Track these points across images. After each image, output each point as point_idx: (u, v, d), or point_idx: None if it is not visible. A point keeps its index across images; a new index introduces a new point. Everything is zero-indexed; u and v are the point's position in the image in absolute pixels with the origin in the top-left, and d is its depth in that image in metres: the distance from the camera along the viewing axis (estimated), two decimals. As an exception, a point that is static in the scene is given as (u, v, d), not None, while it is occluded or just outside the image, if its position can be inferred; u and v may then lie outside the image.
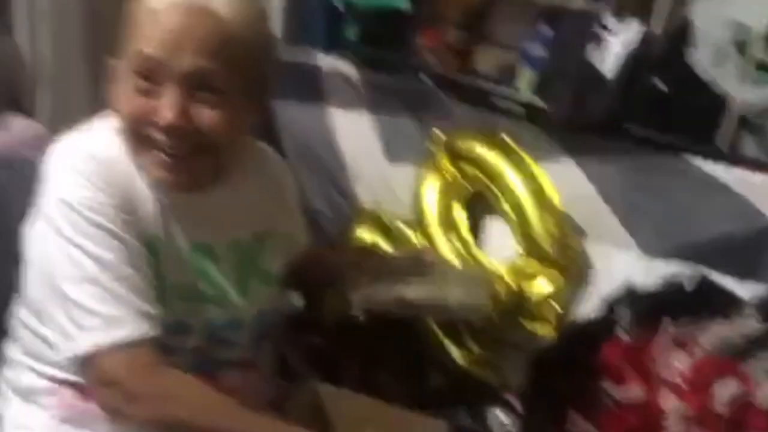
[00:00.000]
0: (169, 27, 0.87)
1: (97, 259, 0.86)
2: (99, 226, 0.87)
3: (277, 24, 2.85)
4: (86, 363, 0.87)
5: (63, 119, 1.00)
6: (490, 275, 1.24)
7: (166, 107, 0.87)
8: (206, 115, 0.88)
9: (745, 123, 2.36)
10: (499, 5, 2.78)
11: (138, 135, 0.90)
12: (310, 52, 1.84)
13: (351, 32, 2.81)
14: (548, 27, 2.70)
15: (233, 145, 0.94)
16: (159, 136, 0.88)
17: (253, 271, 1.03)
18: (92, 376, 0.88)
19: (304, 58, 1.82)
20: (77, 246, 0.86)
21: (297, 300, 1.31)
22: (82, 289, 0.86)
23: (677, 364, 1.22)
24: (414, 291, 1.06)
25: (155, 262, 0.92)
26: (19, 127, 2.00)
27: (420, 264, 1.15)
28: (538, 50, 2.68)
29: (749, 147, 2.38)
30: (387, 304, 1.07)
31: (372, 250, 1.49)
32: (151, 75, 0.87)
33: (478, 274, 1.18)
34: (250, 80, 0.91)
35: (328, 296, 1.11)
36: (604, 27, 1.64)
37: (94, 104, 0.98)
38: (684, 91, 2.43)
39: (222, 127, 0.89)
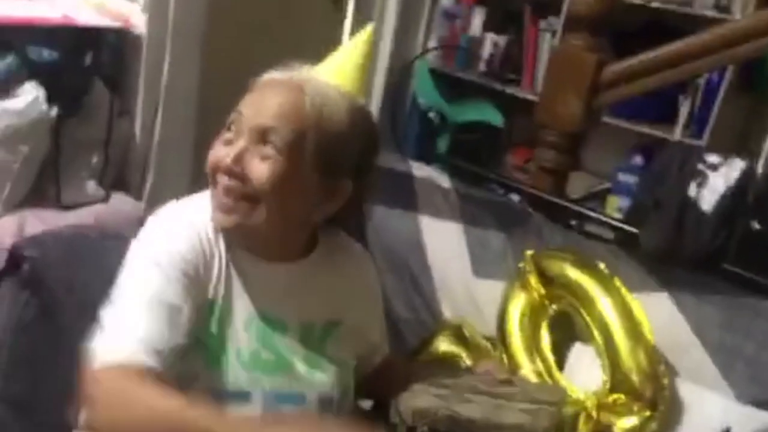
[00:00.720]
0: (260, 91, 1.00)
1: (139, 287, 0.93)
2: (158, 264, 0.94)
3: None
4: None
5: (164, 202, 1.11)
6: (561, 397, 1.18)
7: (229, 152, 0.96)
8: (260, 166, 0.96)
9: None
10: (594, 133, 2.84)
11: (212, 179, 0.99)
12: (403, 159, 1.89)
13: (443, 145, 2.91)
14: (641, 157, 2.73)
15: (280, 211, 0.98)
16: (220, 178, 0.97)
17: (321, 352, 1.06)
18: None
19: (398, 165, 1.87)
20: (132, 274, 0.95)
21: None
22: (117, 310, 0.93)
23: None
24: (470, 410, 1.04)
25: (214, 322, 0.97)
26: (123, 206, 2.11)
27: (489, 381, 1.13)
28: (629, 179, 2.70)
29: None
30: (439, 419, 1.04)
31: (443, 363, 1.48)
32: (234, 128, 0.98)
33: (546, 398, 1.12)
34: (317, 159, 0.98)
35: (393, 406, 1.09)
36: (705, 162, 1.64)
37: (194, 189, 1.07)
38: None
39: (266, 179, 0.95)
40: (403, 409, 1.05)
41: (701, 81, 2.48)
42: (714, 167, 1.63)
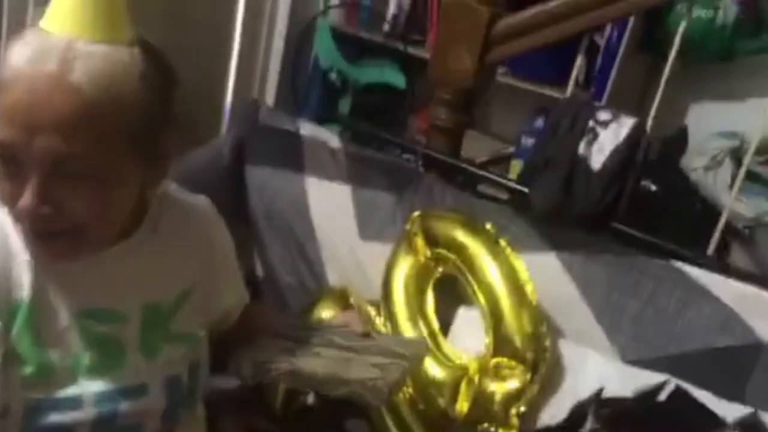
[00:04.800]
0: (19, 104, 0.75)
1: None
2: None
3: (271, 93, 2.85)
4: None
5: None
6: (418, 350, 1.12)
7: (25, 196, 0.77)
8: (73, 202, 0.79)
9: (734, 233, 2.31)
10: (500, 95, 2.79)
11: (11, 215, 0.82)
12: (292, 119, 1.78)
13: (345, 107, 2.81)
14: (544, 119, 2.70)
15: (112, 222, 0.86)
16: (25, 221, 0.81)
17: (166, 331, 0.95)
18: None
19: (284, 124, 1.76)
20: None
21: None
22: None
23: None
24: (314, 364, 0.97)
25: (24, 328, 0.85)
26: None
27: (346, 334, 1.07)
28: (532, 142, 2.67)
29: (738, 257, 2.32)
30: (281, 373, 0.98)
31: (293, 318, 1.41)
32: (11, 159, 0.78)
33: (402, 351, 1.05)
34: (137, 145, 0.82)
35: (234, 359, 1.02)
36: (596, 119, 1.59)
37: None
38: (675, 196, 2.40)
39: (88, 213, 0.80)
40: (244, 362, 0.98)
41: (601, 42, 2.46)
42: (605, 124, 1.59)
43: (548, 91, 2.58)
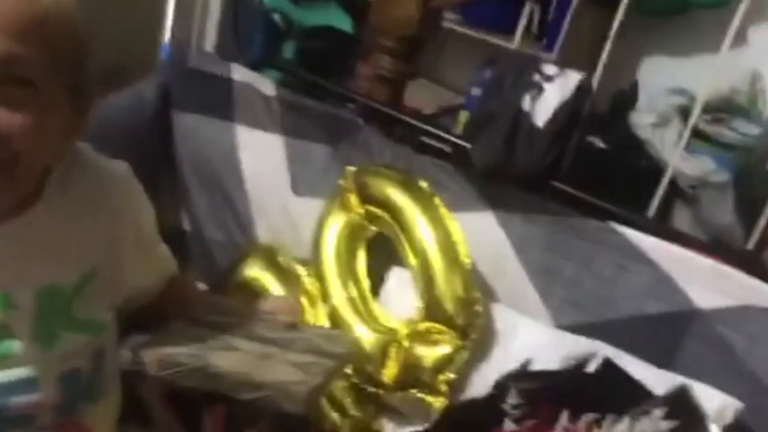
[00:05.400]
0: None
1: None
2: None
3: (212, 34, 2.70)
4: None
5: None
6: (347, 350, 1.00)
7: None
8: (12, 117, 0.68)
9: (678, 191, 2.29)
10: (449, 44, 2.70)
11: None
12: (224, 63, 1.67)
13: (289, 51, 2.68)
14: (491, 69, 2.62)
15: (41, 162, 0.75)
16: None
17: (66, 317, 0.83)
18: None
19: (215, 67, 1.65)
20: None
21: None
22: None
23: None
24: (227, 361, 0.87)
25: None
26: None
27: (271, 323, 0.98)
28: (480, 93, 2.59)
29: (681, 216, 2.32)
30: (185, 371, 0.87)
31: (233, 294, 1.31)
32: None
33: (329, 348, 0.95)
34: (71, 76, 0.73)
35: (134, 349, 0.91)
36: (541, 73, 1.52)
37: None
38: (621, 152, 2.36)
39: (29, 134, 0.69)
40: (147, 355, 0.88)
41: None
42: (550, 78, 1.52)
43: (500, 41, 2.50)
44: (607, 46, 2.26)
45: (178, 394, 1.31)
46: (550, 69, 1.54)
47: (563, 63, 2.38)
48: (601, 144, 2.32)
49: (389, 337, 1.28)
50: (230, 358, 0.88)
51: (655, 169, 2.24)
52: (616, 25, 2.23)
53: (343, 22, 2.60)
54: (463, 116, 2.68)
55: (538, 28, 2.52)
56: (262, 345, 0.91)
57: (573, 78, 1.53)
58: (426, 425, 1.22)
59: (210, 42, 2.67)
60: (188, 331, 0.92)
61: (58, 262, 0.82)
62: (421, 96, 2.66)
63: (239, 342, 0.91)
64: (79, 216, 0.85)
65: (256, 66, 2.00)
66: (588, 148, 2.23)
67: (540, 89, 1.52)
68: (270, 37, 2.70)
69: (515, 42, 2.45)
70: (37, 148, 0.71)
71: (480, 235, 1.38)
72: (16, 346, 0.78)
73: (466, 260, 1.30)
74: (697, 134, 2.24)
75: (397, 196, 1.37)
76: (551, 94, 1.51)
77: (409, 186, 1.38)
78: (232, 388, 0.86)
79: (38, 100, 0.70)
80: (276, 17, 2.64)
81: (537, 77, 1.53)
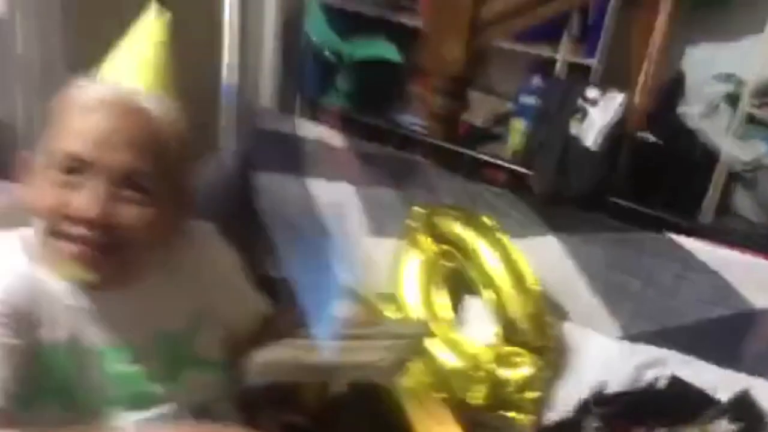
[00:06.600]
0: (99, 125, 0.87)
1: None
2: None
3: (269, 75, 2.88)
4: None
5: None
6: (420, 330, 1.18)
7: (89, 201, 0.86)
8: (130, 214, 0.87)
9: (736, 177, 2.35)
10: (493, 57, 2.80)
11: (52, 228, 0.88)
12: (290, 120, 1.83)
13: (342, 84, 2.83)
14: (540, 77, 2.72)
15: (157, 245, 0.93)
16: (76, 230, 0.87)
17: (187, 360, 1.02)
18: None
19: (284, 127, 1.82)
20: None
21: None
22: None
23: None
24: (318, 355, 1.00)
25: (62, 369, 0.91)
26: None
27: (351, 323, 1.13)
28: (531, 100, 2.69)
29: (740, 201, 2.37)
30: (285, 369, 1.03)
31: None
32: (77, 170, 0.86)
33: (405, 332, 1.12)
34: (177, 180, 0.92)
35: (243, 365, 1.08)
36: (586, 99, 1.63)
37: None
38: (674, 144, 2.43)
39: (146, 227, 0.88)
40: (251, 364, 1.02)
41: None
42: (593, 102, 1.63)
43: (543, 50, 2.59)
44: (652, 43, 2.33)
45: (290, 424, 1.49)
46: (592, 92, 1.65)
47: (607, 65, 2.47)
48: (652, 139, 2.39)
49: (474, 362, 1.41)
50: (321, 354, 1.02)
51: (709, 157, 2.31)
52: (658, 23, 2.29)
53: (390, 52, 2.74)
54: (516, 123, 2.78)
55: (579, 32, 2.59)
56: (348, 340, 1.04)
57: (615, 98, 1.63)
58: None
59: (265, 81, 2.85)
60: (283, 340, 1.06)
61: (168, 314, 1.01)
62: (471, 105, 2.77)
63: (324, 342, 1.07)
64: (179, 274, 1.03)
65: (314, 101, 2.17)
66: (640, 145, 2.30)
67: (585, 113, 1.63)
68: (323, 71, 2.86)
69: (560, 50, 2.53)
70: (146, 238, 0.90)
71: (544, 258, 1.50)
72: (150, 388, 0.97)
73: (534, 285, 1.42)
74: (747, 119, 2.29)
75: (464, 233, 1.50)
76: (596, 117, 1.62)
77: (473, 223, 1.51)
78: (328, 376, 1.04)
79: (150, 201, 0.88)
80: (326, 53, 2.79)
81: (580, 102, 1.64)
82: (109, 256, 0.89)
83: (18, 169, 0.93)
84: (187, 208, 0.99)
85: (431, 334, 1.34)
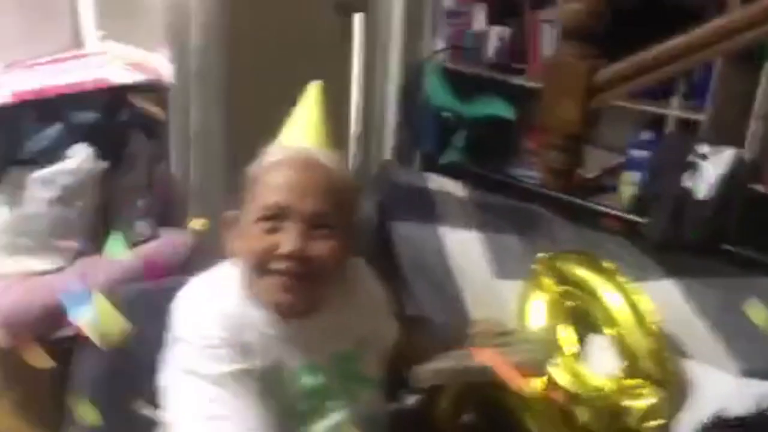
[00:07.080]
0: (293, 178, 1.14)
1: (202, 391, 1.08)
2: (210, 357, 1.09)
3: (390, 134, 3.13)
4: None
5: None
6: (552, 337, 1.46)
7: (290, 240, 1.11)
8: (320, 247, 1.12)
9: None
10: (604, 112, 2.95)
11: (261, 267, 1.13)
12: (420, 175, 2.05)
13: (459, 142, 3.05)
14: (650, 131, 2.84)
15: (339, 271, 1.17)
16: (280, 265, 1.11)
17: (356, 377, 1.24)
18: None
19: (415, 181, 2.03)
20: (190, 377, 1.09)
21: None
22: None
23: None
24: (474, 361, 1.26)
25: (269, 389, 1.13)
26: (170, 237, 2.30)
27: (488, 335, 1.38)
28: (641, 153, 2.82)
29: None
30: (454, 373, 1.27)
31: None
32: (277, 217, 1.12)
33: (541, 337, 1.42)
34: (350, 217, 1.17)
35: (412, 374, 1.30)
36: (698, 154, 1.76)
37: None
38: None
39: (333, 257, 1.13)
40: (419, 370, 1.26)
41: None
42: (704, 156, 1.76)
43: (651, 105, 2.73)
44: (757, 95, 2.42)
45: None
46: (703, 148, 1.78)
47: (715, 119, 2.57)
48: (763, 190, 2.45)
49: (598, 393, 1.54)
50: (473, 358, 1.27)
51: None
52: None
53: (505, 110, 2.94)
54: (626, 176, 2.90)
55: (687, 88, 2.71)
56: (496, 348, 1.32)
57: (727, 153, 1.76)
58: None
59: (388, 141, 3.11)
60: (441, 354, 1.32)
61: (341, 337, 1.25)
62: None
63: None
64: (347, 303, 1.27)
65: (431, 156, 2.38)
66: (754, 196, 2.36)
67: (697, 167, 1.76)
68: (440, 132, 3.09)
69: (670, 106, 2.66)
70: (330, 267, 1.15)
71: (662, 300, 1.62)
72: (331, 403, 1.20)
73: (654, 324, 1.55)
74: None
75: (585, 275, 1.65)
76: (708, 170, 1.75)
77: (594, 266, 1.65)
78: (480, 377, 1.27)
79: (332, 237, 1.13)
80: (445, 114, 3.03)
81: (692, 157, 1.77)
82: (305, 283, 1.12)
83: (224, 226, 1.19)
84: (354, 244, 1.23)
85: (558, 345, 1.54)
